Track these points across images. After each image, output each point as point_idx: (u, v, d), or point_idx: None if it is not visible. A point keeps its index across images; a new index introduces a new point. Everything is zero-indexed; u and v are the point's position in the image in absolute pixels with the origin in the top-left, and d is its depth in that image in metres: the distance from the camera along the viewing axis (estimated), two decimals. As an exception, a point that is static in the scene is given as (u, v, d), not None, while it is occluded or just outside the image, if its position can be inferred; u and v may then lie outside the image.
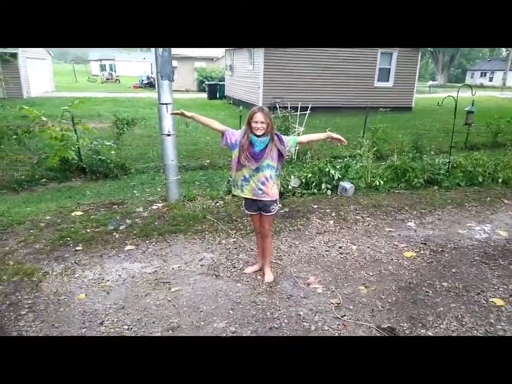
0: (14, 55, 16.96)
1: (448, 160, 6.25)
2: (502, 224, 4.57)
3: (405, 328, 2.69)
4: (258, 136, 2.84)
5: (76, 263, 3.45)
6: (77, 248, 3.70)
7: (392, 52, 15.47)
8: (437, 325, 2.72)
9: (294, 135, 3.05)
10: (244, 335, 2.55)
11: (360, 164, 6.02)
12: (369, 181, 5.75)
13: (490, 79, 47.86)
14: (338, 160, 6.28)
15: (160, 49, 4.48)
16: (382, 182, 5.69)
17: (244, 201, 3.20)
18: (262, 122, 2.80)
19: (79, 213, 4.55)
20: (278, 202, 3.14)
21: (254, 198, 2.99)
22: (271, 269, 3.33)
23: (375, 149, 6.70)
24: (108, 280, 3.19)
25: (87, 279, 3.20)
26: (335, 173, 5.45)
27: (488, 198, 5.39)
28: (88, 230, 4.07)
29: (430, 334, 2.66)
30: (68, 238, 3.87)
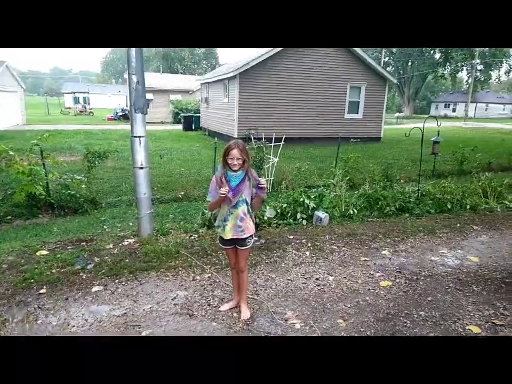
0: (-17, 89, 16.62)
1: (417, 188, 6.44)
2: (473, 249, 4.67)
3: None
4: (234, 171, 2.83)
5: (39, 307, 3.22)
6: (41, 291, 3.47)
7: (361, 85, 16.24)
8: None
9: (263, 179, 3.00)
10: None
11: (334, 193, 6.11)
12: (343, 210, 5.82)
13: (454, 110, 50.89)
14: (312, 189, 6.35)
15: (134, 83, 4.49)
16: (355, 211, 5.76)
17: (219, 236, 3.11)
18: (238, 159, 2.79)
19: (44, 252, 4.32)
20: (254, 235, 3.09)
21: (235, 237, 2.94)
22: (248, 305, 3.23)
23: (347, 178, 6.84)
24: (73, 326, 2.97)
25: (51, 325, 2.97)
26: (309, 203, 5.49)
27: (458, 224, 5.54)
28: (54, 271, 3.84)
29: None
30: (31, 280, 3.63)
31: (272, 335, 2.51)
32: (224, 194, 2.71)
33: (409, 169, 9.66)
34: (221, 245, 3.12)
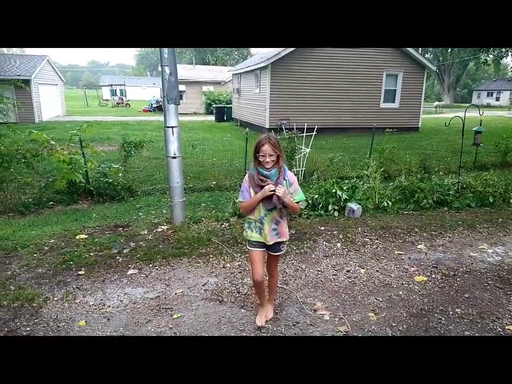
0: (27, 82, 17.50)
1: (457, 181, 6.15)
2: (516, 246, 4.42)
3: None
4: (267, 169, 2.54)
5: (77, 288, 3.39)
6: (79, 272, 3.65)
7: (397, 73, 15.62)
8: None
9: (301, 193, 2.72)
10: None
11: (368, 185, 5.95)
12: (377, 202, 5.66)
13: (497, 99, 47.92)
14: (345, 181, 6.22)
15: (167, 74, 4.56)
16: (390, 203, 5.59)
17: (248, 240, 2.79)
18: (271, 155, 2.50)
19: (83, 236, 4.53)
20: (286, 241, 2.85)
21: (271, 242, 2.68)
22: (274, 301, 3.11)
23: (382, 169, 6.63)
24: (109, 306, 3.11)
25: (88, 305, 3.13)
26: (342, 194, 5.39)
27: (500, 219, 5.24)
28: (92, 254, 4.03)
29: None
30: (71, 262, 3.82)
31: (283, 335, 2.50)
32: (273, 190, 2.45)
33: (449, 161, 9.23)
34: (251, 248, 2.74)
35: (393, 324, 2.93)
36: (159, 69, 4.97)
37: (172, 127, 4.73)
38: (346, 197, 5.42)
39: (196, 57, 45.12)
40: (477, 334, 2.80)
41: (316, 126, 7.84)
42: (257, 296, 3.02)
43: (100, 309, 3.07)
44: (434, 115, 27.23)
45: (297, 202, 2.68)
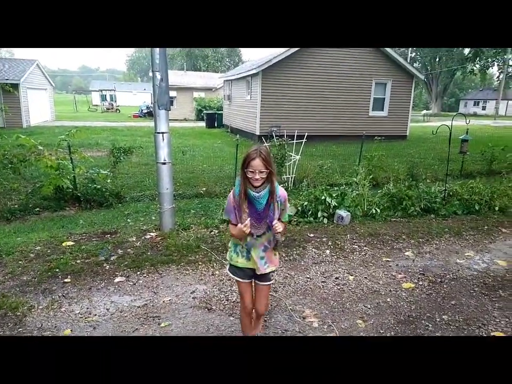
0: (15, 86, 17.29)
1: (444, 188, 6.25)
2: (501, 253, 4.49)
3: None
4: (256, 188, 2.22)
5: (63, 296, 3.33)
6: (65, 280, 3.59)
7: (387, 81, 15.87)
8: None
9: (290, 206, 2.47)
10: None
11: (356, 192, 6.01)
12: (365, 209, 5.71)
13: (483, 108, 48.98)
14: (334, 188, 6.27)
15: (158, 80, 4.56)
16: (378, 210, 5.65)
17: (230, 265, 2.47)
18: (261, 171, 2.17)
19: (70, 243, 4.46)
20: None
21: (259, 273, 2.37)
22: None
23: (371, 176, 6.71)
24: (95, 315, 3.06)
25: (74, 314, 3.07)
26: (331, 201, 5.42)
27: (486, 227, 5.33)
28: (78, 261, 3.97)
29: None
30: (57, 270, 3.76)
31: (285, 335, 2.50)
32: (247, 230, 2.19)
33: (436, 169, 9.37)
34: (235, 277, 2.44)
35: (381, 331, 2.94)
36: (150, 74, 4.98)
37: (162, 133, 4.72)
38: (336, 204, 5.46)
39: (187, 63, 45.19)
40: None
41: (306, 133, 7.91)
42: (241, 325, 2.69)
43: (85, 318, 3.02)
44: (421, 123, 27.67)
45: (282, 222, 2.38)
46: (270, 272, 2.42)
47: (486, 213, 5.88)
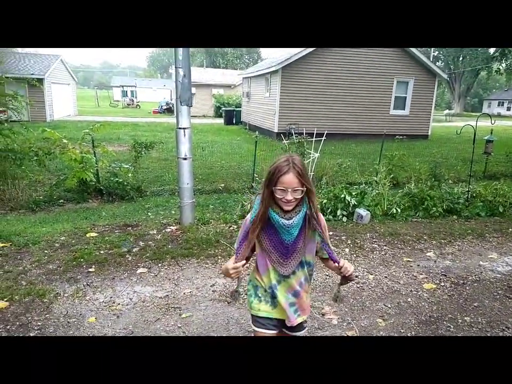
0: (40, 80, 17.76)
1: (467, 190, 6.11)
2: (527, 256, 4.37)
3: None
4: (286, 213, 1.62)
5: (87, 285, 3.43)
6: (90, 269, 3.69)
7: (408, 80, 15.58)
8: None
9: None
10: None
11: (377, 191, 5.94)
12: (385, 209, 5.65)
13: (508, 108, 47.50)
14: (354, 186, 6.21)
15: (181, 76, 4.61)
16: (399, 210, 5.57)
17: (253, 312, 1.80)
18: (295, 190, 1.57)
19: (93, 234, 4.58)
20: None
21: (289, 324, 1.75)
22: None
23: (391, 176, 6.62)
24: (119, 304, 3.14)
25: (98, 302, 3.16)
26: (350, 200, 5.38)
27: (510, 229, 5.19)
28: (102, 252, 4.07)
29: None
30: (81, 259, 3.87)
31: (286, 335, 2.51)
32: (233, 274, 1.63)
33: (459, 169, 9.16)
34: (260, 329, 1.77)
35: (402, 330, 2.92)
36: (170, 71, 5.07)
37: (184, 128, 4.77)
38: (355, 203, 5.41)
39: (207, 60, 45.45)
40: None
41: (325, 131, 7.85)
42: None
43: (109, 306, 3.10)
44: (444, 123, 27.05)
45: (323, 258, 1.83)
46: (302, 323, 1.83)
47: (511, 216, 5.72)
